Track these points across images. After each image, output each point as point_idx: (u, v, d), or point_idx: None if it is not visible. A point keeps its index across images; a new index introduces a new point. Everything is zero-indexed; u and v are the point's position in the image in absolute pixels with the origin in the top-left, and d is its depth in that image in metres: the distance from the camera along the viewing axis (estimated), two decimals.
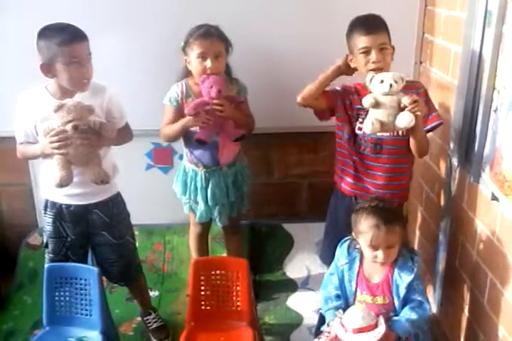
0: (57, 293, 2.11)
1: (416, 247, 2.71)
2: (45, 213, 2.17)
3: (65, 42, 1.91)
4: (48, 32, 1.95)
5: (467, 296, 2.04)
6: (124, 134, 2.20)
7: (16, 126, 2.08)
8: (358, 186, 2.18)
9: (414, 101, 1.86)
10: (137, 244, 2.42)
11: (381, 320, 1.84)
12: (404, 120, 1.86)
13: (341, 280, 1.96)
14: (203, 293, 2.15)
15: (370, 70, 2.00)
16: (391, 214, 1.86)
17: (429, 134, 2.15)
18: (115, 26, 2.51)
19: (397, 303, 1.90)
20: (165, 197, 2.62)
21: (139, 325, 2.49)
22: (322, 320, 2.03)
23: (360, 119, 2.11)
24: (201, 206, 2.39)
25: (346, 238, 1.99)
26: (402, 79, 1.91)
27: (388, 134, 2.08)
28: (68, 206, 2.13)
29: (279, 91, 2.44)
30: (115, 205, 2.21)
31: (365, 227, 1.84)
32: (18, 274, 2.77)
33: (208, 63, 2.17)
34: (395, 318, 1.88)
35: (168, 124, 2.28)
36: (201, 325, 2.11)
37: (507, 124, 1.67)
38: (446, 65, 2.24)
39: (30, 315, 2.52)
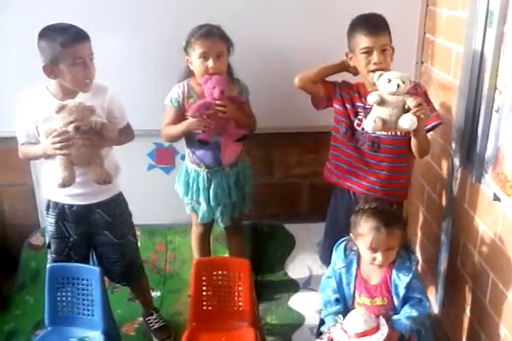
0: (59, 293, 2.11)
1: (418, 248, 2.71)
2: (47, 213, 2.17)
3: (67, 42, 1.91)
4: (49, 32, 1.94)
5: (469, 296, 2.03)
6: (126, 134, 2.20)
7: (17, 127, 2.08)
8: (352, 181, 2.19)
9: (419, 104, 1.86)
10: (139, 244, 2.42)
11: (382, 321, 1.83)
12: (407, 122, 1.86)
13: (339, 284, 1.95)
14: (204, 293, 2.15)
15: (371, 71, 2.00)
16: (391, 216, 1.86)
17: (431, 135, 2.15)
18: (116, 26, 2.51)
19: (396, 302, 1.90)
20: (167, 197, 2.62)
21: (141, 325, 2.49)
22: (323, 321, 2.03)
23: (359, 116, 2.11)
24: (203, 207, 2.39)
25: (341, 240, 1.98)
26: (410, 81, 1.91)
27: (386, 133, 2.08)
28: (71, 206, 2.13)
29: (280, 91, 2.44)
30: (117, 205, 2.21)
31: (365, 229, 1.83)
32: (20, 274, 2.77)
33: (210, 63, 2.17)
34: (396, 317, 1.88)
35: (168, 125, 2.28)
36: (203, 326, 2.11)
37: (509, 124, 1.66)
38: (448, 65, 2.24)
39: (32, 315, 2.52)
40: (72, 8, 2.41)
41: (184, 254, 2.81)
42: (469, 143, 1.99)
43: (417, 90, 2.06)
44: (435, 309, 2.37)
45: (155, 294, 2.66)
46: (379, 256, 1.83)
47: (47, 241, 2.24)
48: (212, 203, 2.37)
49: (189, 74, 2.29)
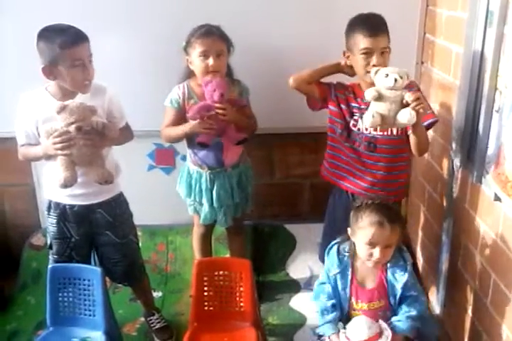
0: (60, 294, 2.11)
1: (419, 248, 2.71)
2: (48, 214, 2.17)
3: (66, 44, 1.91)
4: (48, 33, 1.94)
5: (470, 297, 2.03)
6: (125, 134, 2.20)
7: (17, 128, 2.08)
8: (350, 181, 2.19)
9: (417, 99, 1.85)
10: (140, 245, 2.42)
11: (383, 325, 1.83)
12: (406, 116, 1.85)
13: (334, 289, 1.94)
14: (206, 293, 2.15)
15: (368, 72, 2.00)
16: (394, 213, 1.86)
17: (431, 135, 2.15)
18: (116, 27, 2.51)
19: (392, 302, 1.90)
20: (167, 197, 2.62)
21: (143, 325, 2.49)
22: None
23: (355, 117, 2.12)
24: (206, 208, 2.39)
25: (333, 243, 1.97)
26: (407, 76, 1.90)
27: (383, 133, 2.08)
28: (72, 206, 2.14)
29: (281, 91, 2.43)
30: (118, 205, 2.22)
31: (367, 223, 1.81)
32: (22, 275, 2.77)
33: (210, 61, 2.17)
34: (396, 318, 1.88)
35: (168, 126, 2.28)
36: (204, 326, 2.11)
37: (509, 124, 1.67)
38: (448, 66, 2.24)
39: (33, 316, 2.52)
40: (71, 9, 2.41)
41: (185, 254, 2.81)
42: (470, 144, 1.99)
43: (411, 89, 2.06)
44: (436, 309, 2.37)
45: (156, 294, 2.66)
46: (377, 251, 1.81)
47: (48, 242, 2.24)
48: (215, 204, 2.37)
49: (189, 75, 2.29)
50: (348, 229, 1.90)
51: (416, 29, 2.55)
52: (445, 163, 2.31)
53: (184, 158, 2.50)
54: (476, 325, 1.99)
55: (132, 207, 2.29)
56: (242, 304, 2.13)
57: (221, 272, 2.15)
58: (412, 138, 2.01)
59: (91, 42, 1.99)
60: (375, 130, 2.09)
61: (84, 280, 2.09)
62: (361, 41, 2.02)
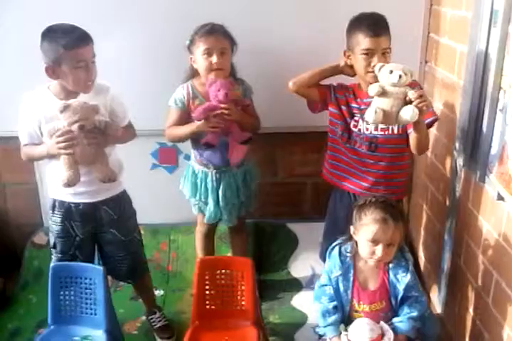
0: (62, 292, 2.12)
1: (421, 247, 2.71)
2: (52, 213, 2.17)
3: (71, 45, 1.91)
4: (52, 34, 1.94)
5: (472, 296, 2.03)
6: (128, 132, 2.21)
7: (19, 128, 2.08)
8: (351, 181, 2.19)
9: (421, 96, 1.85)
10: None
11: (385, 326, 1.83)
12: (409, 113, 1.84)
13: (336, 290, 1.93)
14: (207, 292, 2.16)
15: (369, 72, 2.00)
16: (397, 212, 1.86)
17: (435, 134, 2.15)
18: (119, 26, 2.51)
19: (394, 302, 1.90)
20: (170, 196, 2.62)
21: (144, 324, 2.49)
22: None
23: (355, 117, 2.11)
24: (211, 207, 2.39)
25: (334, 244, 1.96)
26: (412, 73, 1.90)
27: (383, 133, 2.08)
28: (77, 205, 2.14)
29: (283, 91, 2.43)
30: (122, 202, 2.22)
31: (370, 220, 1.81)
32: (24, 273, 2.78)
33: (214, 59, 2.17)
34: (397, 319, 1.87)
35: (172, 126, 2.28)
36: (206, 324, 2.12)
37: None
38: (452, 65, 2.23)
39: (35, 314, 2.53)
40: (74, 8, 2.41)
41: (187, 253, 2.81)
42: (473, 143, 1.98)
43: (413, 88, 2.05)
44: (438, 308, 2.37)
45: (158, 293, 2.66)
46: (379, 249, 1.80)
47: (51, 241, 2.23)
48: (221, 203, 2.37)
49: (193, 74, 2.29)
50: (351, 228, 1.89)
51: (420, 28, 2.54)
52: (448, 162, 2.31)
53: (187, 157, 2.50)
54: (477, 324, 1.98)
55: (135, 206, 2.29)
56: (243, 303, 2.13)
57: (223, 271, 2.15)
58: (413, 136, 2.01)
59: (95, 42, 2.00)
60: (376, 129, 2.09)
61: (86, 278, 2.10)
62: (363, 41, 2.01)
